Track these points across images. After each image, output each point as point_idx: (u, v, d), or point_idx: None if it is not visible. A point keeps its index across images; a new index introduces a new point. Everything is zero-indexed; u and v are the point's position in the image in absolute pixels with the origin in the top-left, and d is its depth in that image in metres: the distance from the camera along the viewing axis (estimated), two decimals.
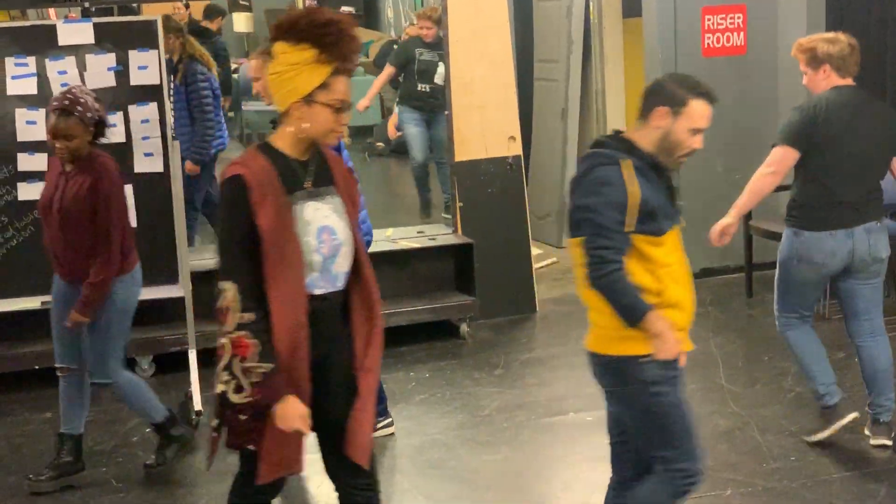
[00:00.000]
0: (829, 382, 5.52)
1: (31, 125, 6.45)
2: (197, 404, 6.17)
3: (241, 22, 16.66)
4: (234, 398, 3.67)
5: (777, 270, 5.53)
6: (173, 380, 6.80)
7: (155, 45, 6.54)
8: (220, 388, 3.69)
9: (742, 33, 8.52)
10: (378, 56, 14.41)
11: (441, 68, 8.99)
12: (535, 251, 8.59)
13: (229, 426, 3.76)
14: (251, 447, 3.77)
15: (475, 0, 7.92)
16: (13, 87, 6.42)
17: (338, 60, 3.64)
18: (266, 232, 3.62)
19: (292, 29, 3.64)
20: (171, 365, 6.91)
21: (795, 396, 6.20)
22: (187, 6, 8.24)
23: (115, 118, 6.47)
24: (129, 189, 6.44)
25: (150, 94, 6.53)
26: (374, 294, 3.87)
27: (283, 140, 3.73)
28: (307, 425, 3.69)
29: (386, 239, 7.72)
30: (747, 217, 7.57)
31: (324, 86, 3.63)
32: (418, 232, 7.87)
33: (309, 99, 3.64)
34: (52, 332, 5.58)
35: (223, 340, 3.63)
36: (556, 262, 9.48)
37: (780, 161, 5.38)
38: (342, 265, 3.78)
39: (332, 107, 3.66)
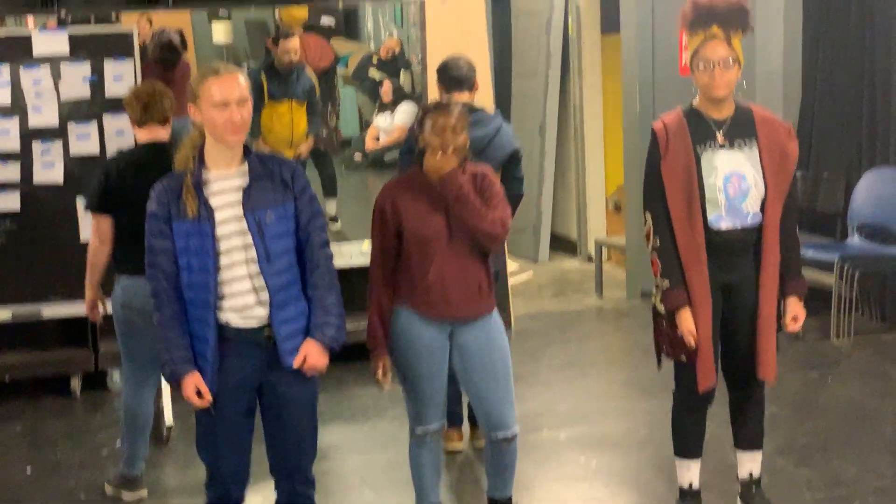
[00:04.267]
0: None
1: (4, 134, 6.41)
2: (168, 419, 6.11)
3: (219, 32, 16.60)
4: (659, 307, 4.53)
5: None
6: None
7: (131, 56, 6.52)
8: (653, 300, 4.57)
9: None
10: (356, 69, 14.37)
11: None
12: (511, 266, 8.57)
13: (664, 336, 4.56)
14: (682, 359, 4.52)
15: (453, 12, 7.90)
16: None
17: None
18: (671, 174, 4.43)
19: None
20: None
21: (769, 415, 6.17)
22: (151, 22, 8.09)
23: (90, 128, 6.45)
24: None
25: None
26: (768, 236, 4.46)
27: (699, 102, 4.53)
28: (693, 337, 4.44)
29: (361, 253, 7.68)
30: None
31: None
32: None
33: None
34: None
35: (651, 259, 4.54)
36: (532, 277, 9.48)
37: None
38: (750, 206, 4.42)
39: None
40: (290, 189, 3.99)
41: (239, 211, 3.91)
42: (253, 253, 3.91)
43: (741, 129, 4.48)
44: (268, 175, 3.97)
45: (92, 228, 5.20)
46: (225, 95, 3.85)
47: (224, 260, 3.91)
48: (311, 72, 8.75)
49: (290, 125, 8.32)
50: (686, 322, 4.48)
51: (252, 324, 3.96)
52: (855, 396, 6.43)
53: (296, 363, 3.97)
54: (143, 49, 7.18)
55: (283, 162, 4.05)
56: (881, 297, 7.80)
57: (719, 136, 4.46)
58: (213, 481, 4.13)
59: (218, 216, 3.90)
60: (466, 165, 4.46)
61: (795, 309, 4.59)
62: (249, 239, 3.91)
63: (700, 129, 4.47)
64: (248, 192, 3.92)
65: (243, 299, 3.94)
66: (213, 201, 3.91)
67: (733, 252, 4.50)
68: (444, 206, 4.41)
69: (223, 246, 3.90)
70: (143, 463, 5.40)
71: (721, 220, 4.45)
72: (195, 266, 3.90)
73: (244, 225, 3.91)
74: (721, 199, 4.43)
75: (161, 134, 5.21)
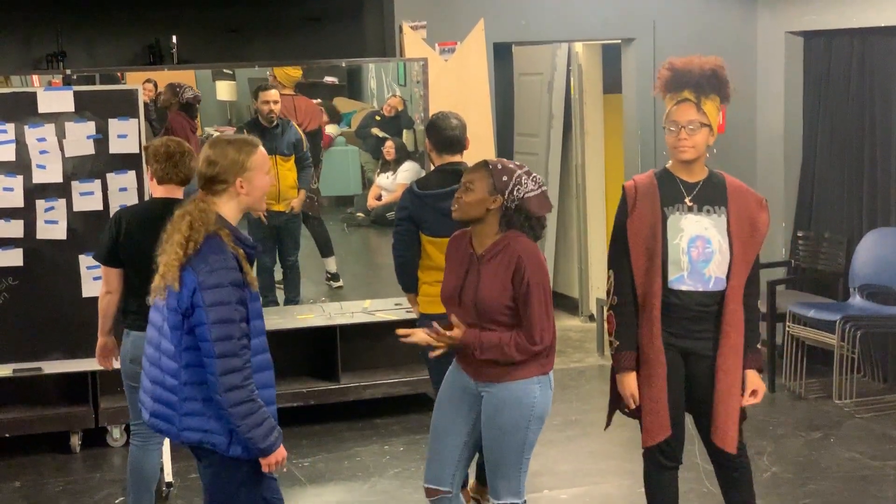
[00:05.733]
0: None
1: (8, 191, 6.44)
2: (168, 475, 6.09)
3: (223, 90, 16.72)
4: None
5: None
6: None
7: (135, 114, 6.57)
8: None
9: (720, 112, 8.56)
10: (359, 127, 14.43)
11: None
12: None
13: (615, 393, 4.60)
14: (626, 413, 4.60)
15: (456, 71, 7.98)
16: None
17: None
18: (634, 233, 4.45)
19: None
20: None
21: (771, 476, 6.17)
22: (155, 85, 8.14)
23: (93, 186, 6.48)
24: None
25: (128, 162, 6.55)
26: (730, 304, 4.42)
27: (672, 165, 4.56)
28: (634, 400, 4.50)
29: (364, 311, 7.69)
30: None
31: None
32: (396, 304, 7.84)
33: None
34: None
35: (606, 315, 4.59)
36: None
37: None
38: (713, 271, 4.39)
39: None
40: None
41: None
42: None
43: (711, 195, 4.48)
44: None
45: (102, 277, 5.22)
46: (270, 162, 4.02)
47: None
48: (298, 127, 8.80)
49: (275, 179, 8.29)
50: (629, 385, 4.50)
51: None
52: (857, 458, 6.40)
53: None
54: (146, 108, 7.22)
55: None
56: (883, 358, 7.79)
57: (687, 200, 4.47)
58: None
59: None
60: (509, 237, 4.27)
61: (755, 382, 4.54)
62: None
63: (670, 191, 4.48)
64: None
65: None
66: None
67: (692, 317, 4.46)
68: (467, 267, 4.34)
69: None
70: None
71: (682, 282, 4.43)
72: (258, 330, 3.87)
73: None
74: (684, 261, 4.42)
75: (177, 194, 5.17)
